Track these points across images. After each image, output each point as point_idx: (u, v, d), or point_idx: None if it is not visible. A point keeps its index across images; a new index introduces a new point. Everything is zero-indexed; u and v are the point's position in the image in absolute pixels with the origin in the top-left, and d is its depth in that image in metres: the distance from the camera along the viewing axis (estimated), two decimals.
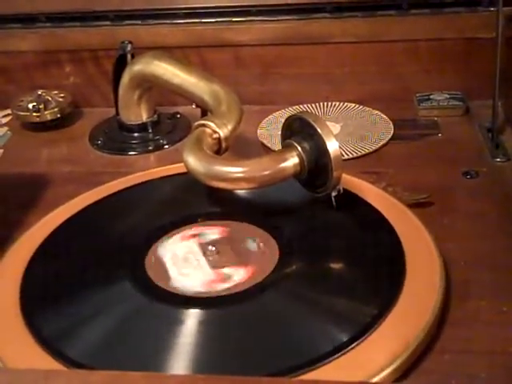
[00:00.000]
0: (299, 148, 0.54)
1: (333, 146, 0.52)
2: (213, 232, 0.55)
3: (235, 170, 0.53)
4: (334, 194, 0.55)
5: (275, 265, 0.50)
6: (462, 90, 0.75)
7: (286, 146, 0.55)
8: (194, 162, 0.54)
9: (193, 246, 0.53)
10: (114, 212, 0.59)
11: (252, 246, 0.53)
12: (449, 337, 0.45)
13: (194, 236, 0.54)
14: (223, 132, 0.57)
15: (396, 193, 0.59)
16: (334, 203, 0.55)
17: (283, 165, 0.54)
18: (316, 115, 0.56)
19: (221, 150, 0.58)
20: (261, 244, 0.53)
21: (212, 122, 0.58)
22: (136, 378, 0.33)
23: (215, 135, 0.57)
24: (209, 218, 0.56)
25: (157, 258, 0.52)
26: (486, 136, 0.68)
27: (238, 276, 0.49)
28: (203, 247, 0.53)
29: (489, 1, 0.74)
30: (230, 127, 0.58)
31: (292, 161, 0.54)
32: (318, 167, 0.54)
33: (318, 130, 0.53)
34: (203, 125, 0.58)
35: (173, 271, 0.50)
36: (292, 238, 0.53)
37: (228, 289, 0.48)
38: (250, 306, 0.47)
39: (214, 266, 0.51)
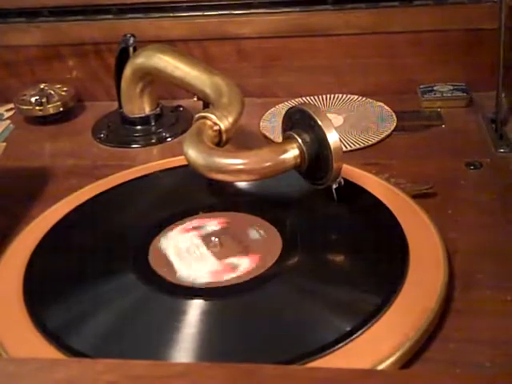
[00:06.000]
0: (299, 140, 0.54)
1: (333, 138, 0.52)
2: (213, 224, 0.55)
3: (235, 161, 0.53)
4: (334, 186, 0.54)
5: (278, 255, 0.50)
6: (465, 81, 0.75)
7: (287, 138, 0.55)
8: (194, 154, 0.54)
9: (194, 238, 0.53)
10: (117, 204, 0.59)
11: (254, 235, 0.53)
12: (453, 326, 0.45)
13: (195, 228, 0.54)
14: (224, 124, 0.57)
15: (399, 184, 0.59)
16: (335, 195, 0.55)
17: (283, 156, 0.54)
18: (316, 107, 0.56)
19: (221, 142, 0.58)
20: (261, 232, 0.53)
21: (213, 114, 0.58)
22: (141, 366, 0.33)
23: (216, 127, 0.57)
24: (211, 210, 0.56)
25: (160, 250, 0.52)
26: (490, 127, 0.68)
27: (244, 265, 0.49)
28: (205, 239, 0.53)
29: None
30: (230, 119, 0.58)
31: (292, 152, 0.54)
32: (318, 159, 0.54)
33: (318, 121, 0.53)
34: (204, 117, 0.58)
35: (178, 263, 0.50)
36: (295, 228, 0.53)
37: (236, 277, 0.48)
38: (253, 297, 0.47)
39: (219, 257, 0.51)
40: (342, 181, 0.55)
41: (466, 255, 0.51)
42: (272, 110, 0.76)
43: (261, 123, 0.74)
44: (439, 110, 0.73)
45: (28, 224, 0.57)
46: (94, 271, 0.51)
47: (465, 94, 0.74)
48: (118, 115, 0.76)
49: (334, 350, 0.41)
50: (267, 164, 0.53)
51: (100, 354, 0.42)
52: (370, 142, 0.68)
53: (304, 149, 0.54)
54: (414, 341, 0.42)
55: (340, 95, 0.78)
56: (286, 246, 0.51)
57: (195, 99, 0.68)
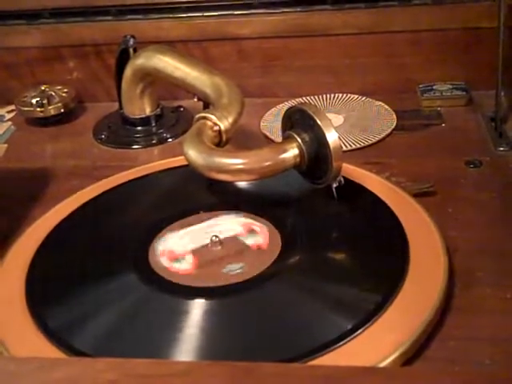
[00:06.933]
0: (299, 139, 0.54)
1: (332, 137, 0.52)
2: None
3: (235, 161, 0.53)
4: (334, 185, 0.55)
5: (278, 254, 0.50)
6: (464, 79, 0.75)
7: (286, 138, 0.55)
8: (194, 154, 0.54)
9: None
10: (118, 205, 0.59)
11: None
12: (453, 324, 0.45)
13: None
14: (224, 124, 0.58)
15: (399, 183, 0.59)
16: (335, 194, 0.55)
17: (283, 156, 0.54)
18: (315, 106, 0.56)
19: (221, 142, 0.58)
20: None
21: (213, 114, 0.58)
22: (142, 365, 0.33)
23: (216, 128, 0.57)
24: (211, 209, 0.56)
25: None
26: (489, 125, 0.68)
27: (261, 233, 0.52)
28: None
29: None
30: (230, 120, 0.58)
31: (292, 152, 0.54)
32: (318, 158, 0.54)
33: (318, 121, 0.53)
34: (204, 117, 0.58)
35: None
36: (295, 227, 0.53)
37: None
38: (253, 296, 0.47)
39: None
40: (342, 180, 0.55)
41: (466, 253, 0.51)
42: (272, 110, 0.77)
43: (261, 123, 0.74)
44: (439, 108, 0.73)
45: (29, 225, 0.57)
46: (96, 271, 0.51)
47: (464, 93, 0.74)
48: (119, 116, 0.76)
49: (335, 348, 0.42)
50: (267, 163, 0.54)
51: (101, 353, 0.43)
52: (370, 142, 0.68)
53: (304, 148, 0.54)
54: (414, 339, 0.42)
55: (340, 95, 0.78)
56: (286, 245, 0.51)
57: (195, 100, 0.68)
